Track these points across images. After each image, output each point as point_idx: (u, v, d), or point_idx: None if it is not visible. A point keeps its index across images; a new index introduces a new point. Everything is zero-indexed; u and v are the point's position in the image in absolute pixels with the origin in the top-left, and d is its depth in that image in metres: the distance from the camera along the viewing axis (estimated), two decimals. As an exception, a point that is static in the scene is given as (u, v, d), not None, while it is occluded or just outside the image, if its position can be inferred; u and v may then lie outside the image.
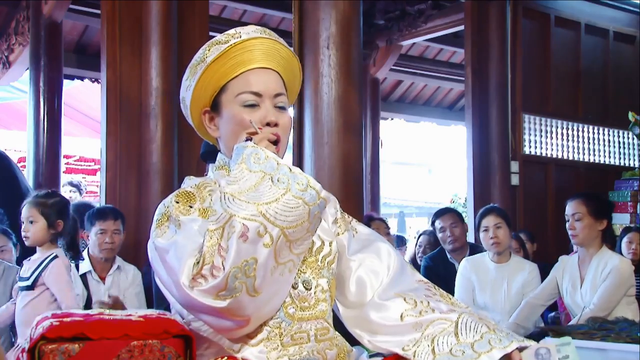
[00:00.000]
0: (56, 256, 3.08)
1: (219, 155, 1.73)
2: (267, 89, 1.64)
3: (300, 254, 1.53)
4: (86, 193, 9.55)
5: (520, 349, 1.53)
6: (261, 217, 1.42)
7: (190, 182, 1.67)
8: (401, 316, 1.65)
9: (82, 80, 7.78)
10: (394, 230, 8.94)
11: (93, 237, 3.71)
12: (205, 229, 1.49)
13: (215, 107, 1.68)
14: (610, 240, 3.68)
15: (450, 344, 1.56)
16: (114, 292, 3.69)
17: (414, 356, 1.58)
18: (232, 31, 1.66)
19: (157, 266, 1.55)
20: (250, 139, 1.58)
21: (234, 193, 1.46)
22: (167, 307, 2.41)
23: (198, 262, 1.45)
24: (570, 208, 3.52)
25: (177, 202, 1.57)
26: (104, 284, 3.73)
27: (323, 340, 1.61)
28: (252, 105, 1.63)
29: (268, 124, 1.62)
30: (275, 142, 1.63)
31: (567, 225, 3.52)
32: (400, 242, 7.19)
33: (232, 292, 1.42)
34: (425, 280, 1.77)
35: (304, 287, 1.62)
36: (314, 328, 1.60)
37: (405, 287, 1.71)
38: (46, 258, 3.07)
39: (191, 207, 1.56)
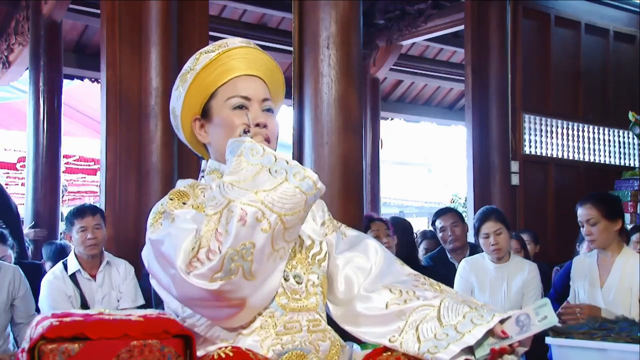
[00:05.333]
0: None
1: (210, 161, 1.79)
2: (255, 94, 1.73)
3: (291, 242, 1.58)
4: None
5: (502, 321, 1.59)
6: (260, 203, 1.46)
7: (183, 183, 1.73)
8: (386, 305, 1.70)
9: (82, 80, 7.78)
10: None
11: (75, 236, 3.72)
12: (199, 217, 1.53)
13: (205, 114, 1.75)
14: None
15: (434, 329, 1.61)
16: (106, 289, 3.71)
17: (401, 346, 1.63)
18: (219, 42, 1.75)
19: (151, 263, 1.58)
20: (247, 132, 1.66)
21: (232, 182, 1.50)
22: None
23: (193, 248, 1.48)
24: (583, 213, 3.45)
25: (172, 200, 1.62)
26: (95, 281, 3.74)
27: (315, 331, 1.64)
28: (241, 107, 1.71)
29: (257, 125, 1.69)
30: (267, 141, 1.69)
31: (583, 230, 3.46)
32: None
33: (228, 274, 1.45)
34: (416, 273, 1.81)
35: (295, 281, 1.66)
36: (305, 319, 1.64)
37: (393, 279, 1.76)
38: None
39: (185, 204, 1.61)
